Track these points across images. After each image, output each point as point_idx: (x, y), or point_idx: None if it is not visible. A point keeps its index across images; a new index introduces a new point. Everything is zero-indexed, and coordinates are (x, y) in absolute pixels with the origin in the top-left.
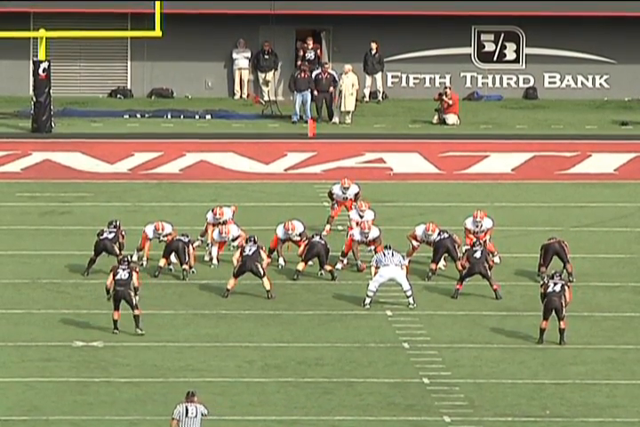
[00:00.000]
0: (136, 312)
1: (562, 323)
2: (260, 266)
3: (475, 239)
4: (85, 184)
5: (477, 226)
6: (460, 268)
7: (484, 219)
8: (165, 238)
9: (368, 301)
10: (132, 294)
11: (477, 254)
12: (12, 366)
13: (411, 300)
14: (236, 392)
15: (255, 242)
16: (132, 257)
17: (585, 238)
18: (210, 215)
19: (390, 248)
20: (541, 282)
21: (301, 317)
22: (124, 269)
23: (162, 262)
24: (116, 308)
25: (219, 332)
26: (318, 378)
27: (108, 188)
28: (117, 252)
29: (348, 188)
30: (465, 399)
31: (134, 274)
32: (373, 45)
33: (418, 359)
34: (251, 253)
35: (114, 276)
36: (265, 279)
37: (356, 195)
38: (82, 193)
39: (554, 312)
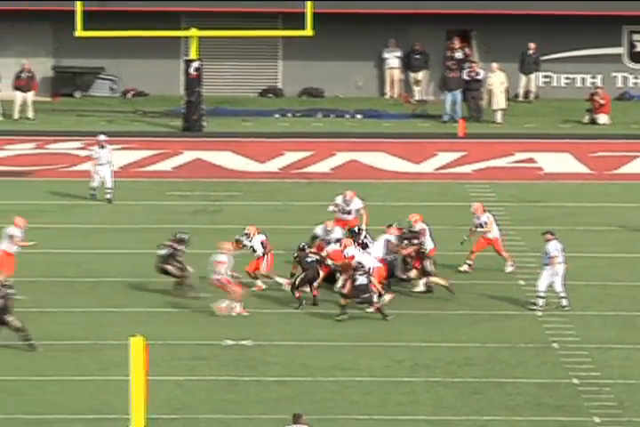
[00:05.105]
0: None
1: None
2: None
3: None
4: (236, 183)
5: (327, 234)
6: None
7: (335, 228)
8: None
9: (542, 302)
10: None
11: (308, 259)
12: (163, 365)
13: (564, 301)
14: (385, 392)
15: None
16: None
17: None
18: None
19: (553, 234)
20: None
21: (451, 316)
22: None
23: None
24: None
25: (368, 331)
26: (467, 378)
27: (259, 187)
28: None
29: (330, 231)
30: (615, 400)
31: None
32: (532, 45)
33: (567, 360)
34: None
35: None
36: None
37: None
38: (232, 192)
39: None
